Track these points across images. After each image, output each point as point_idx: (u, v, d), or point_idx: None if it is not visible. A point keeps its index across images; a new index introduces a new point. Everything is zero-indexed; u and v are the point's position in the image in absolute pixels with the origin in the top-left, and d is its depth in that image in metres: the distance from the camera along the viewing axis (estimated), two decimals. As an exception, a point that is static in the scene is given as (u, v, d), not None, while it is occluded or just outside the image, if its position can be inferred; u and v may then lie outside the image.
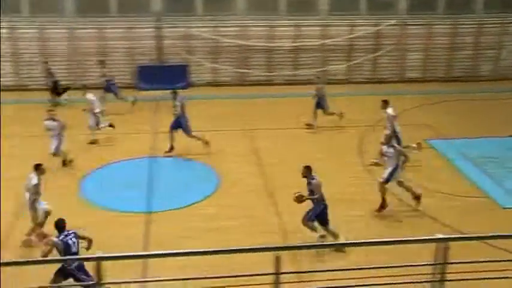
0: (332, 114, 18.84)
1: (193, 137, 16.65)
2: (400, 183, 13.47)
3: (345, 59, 24.14)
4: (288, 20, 23.57)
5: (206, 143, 16.69)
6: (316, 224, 11.94)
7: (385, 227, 12.95)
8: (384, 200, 13.36)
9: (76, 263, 9.61)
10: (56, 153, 15.69)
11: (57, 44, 22.84)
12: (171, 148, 16.59)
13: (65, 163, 15.92)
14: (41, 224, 12.21)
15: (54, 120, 15.80)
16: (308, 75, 22.45)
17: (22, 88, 22.64)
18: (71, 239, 9.86)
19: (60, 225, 10.02)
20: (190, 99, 22.27)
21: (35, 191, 12.11)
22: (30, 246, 11.93)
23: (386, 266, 6.19)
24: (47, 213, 12.20)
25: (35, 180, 12.11)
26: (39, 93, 21.83)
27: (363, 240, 9.45)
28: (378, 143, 14.73)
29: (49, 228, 11.28)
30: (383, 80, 24.24)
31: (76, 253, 9.87)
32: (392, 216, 13.39)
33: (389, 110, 15.73)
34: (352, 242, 11.35)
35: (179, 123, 16.60)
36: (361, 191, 14.44)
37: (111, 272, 5.07)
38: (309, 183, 11.86)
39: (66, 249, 9.77)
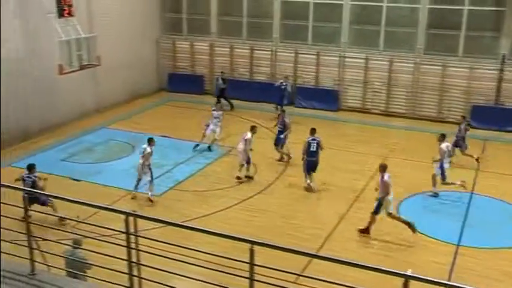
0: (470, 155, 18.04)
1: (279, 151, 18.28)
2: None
3: None
4: None
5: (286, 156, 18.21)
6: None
7: None
8: None
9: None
10: None
11: (403, 75, 23.68)
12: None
13: None
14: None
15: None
16: None
17: (364, 111, 24.19)
18: (28, 178, 13.35)
19: (28, 167, 13.53)
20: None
21: (147, 158, 15.22)
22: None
23: None
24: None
25: (149, 150, 15.23)
26: (378, 116, 23.28)
27: None
28: None
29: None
30: None
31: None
32: None
33: (443, 145, 15.56)
34: None
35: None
36: None
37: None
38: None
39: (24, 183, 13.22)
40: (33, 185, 13.41)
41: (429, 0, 22.85)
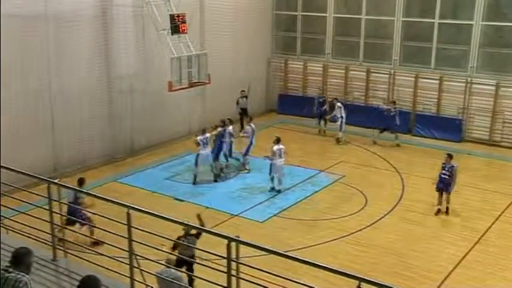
0: None
1: None
2: None
3: None
4: None
5: None
6: None
7: None
8: None
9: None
10: None
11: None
12: None
13: None
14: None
15: None
16: None
17: (492, 143, 23.08)
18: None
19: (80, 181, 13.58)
20: None
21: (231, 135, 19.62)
22: None
23: None
24: None
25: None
26: (508, 150, 22.14)
27: None
28: None
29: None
30: None
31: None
32: None
33: (275, 147, 17.87)
34: None
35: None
36: None
37: None
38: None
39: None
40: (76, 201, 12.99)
41: None
